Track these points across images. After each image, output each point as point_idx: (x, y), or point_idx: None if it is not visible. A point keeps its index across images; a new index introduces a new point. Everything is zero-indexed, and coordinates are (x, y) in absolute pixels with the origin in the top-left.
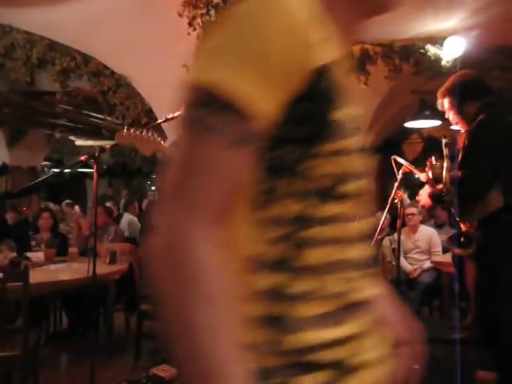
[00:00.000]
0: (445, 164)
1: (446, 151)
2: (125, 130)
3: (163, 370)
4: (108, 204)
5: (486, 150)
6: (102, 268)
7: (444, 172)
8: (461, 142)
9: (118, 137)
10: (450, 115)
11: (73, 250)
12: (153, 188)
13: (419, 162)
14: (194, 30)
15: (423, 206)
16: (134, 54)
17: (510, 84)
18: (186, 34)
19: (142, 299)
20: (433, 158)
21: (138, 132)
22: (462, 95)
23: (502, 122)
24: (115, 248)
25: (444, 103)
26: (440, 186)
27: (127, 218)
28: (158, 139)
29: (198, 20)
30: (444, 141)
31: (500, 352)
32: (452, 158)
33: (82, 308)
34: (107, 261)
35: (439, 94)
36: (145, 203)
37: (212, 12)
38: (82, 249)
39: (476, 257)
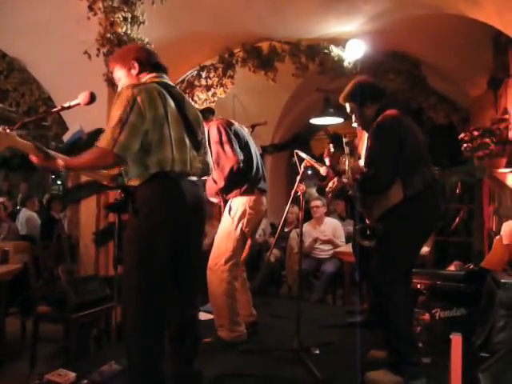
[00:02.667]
0: (347, 161)
1: (347, 150)
2: None
3: (59, 375)
4: (1, 199)
5: (387, 149)
6: None
7: (347, 168)
8: (359, 139)
9: None
10: (353, 118)
11: None
12: (58, 182)
13: None
14: (95, 14)
15: (328, 196)
16: (29, 37)
17: (403, 87)
18: (86, 19)
19: (39, 301)
20: (330, 146)
21: None
22: (361, 100)
23: (399, 123)
24: (7, 246)
25: (346, 107)
26: (344, 180)
27: (25, 213)
28: (13, 133)
29: (99, 4)
30: (345, 140)
31: (388, 329)
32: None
33: None
34: None
35: (341, 99)
36: (46, 198)
37: None
38: None
39: (377, 245)
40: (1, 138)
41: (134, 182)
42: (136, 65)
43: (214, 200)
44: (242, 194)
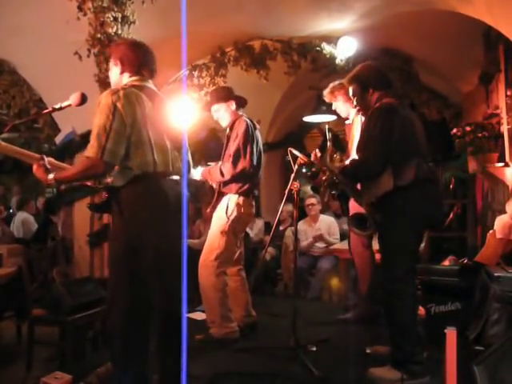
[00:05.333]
0: (328, 144)
1: (329, 135)
2: None
3: (55, 378)
4: None
5: (379, 136)
6: None
7: (327, 155)
8: (348, 132)
9: None
10: (354, 101)
11: None
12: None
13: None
14: (85, 15)
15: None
16: (18, 38)
17: (396, 83)
18: (76, 19)
19: (34, 304)
20: (317, 151)
21: None
22: (366, 84)
23: (394, 112)
24: (1, 250)
25: (349, 90)
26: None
27: (21, 216)
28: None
29: (89, 4)
30: (327, 126)
31: (394, 326)
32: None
33: None
34: None
35: (346, 81)
36: (41, 201)
37: None
38: None
39: (378, 235)
40: None
41: (118, 183)
42: (119, 63)
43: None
44: (239, 193)
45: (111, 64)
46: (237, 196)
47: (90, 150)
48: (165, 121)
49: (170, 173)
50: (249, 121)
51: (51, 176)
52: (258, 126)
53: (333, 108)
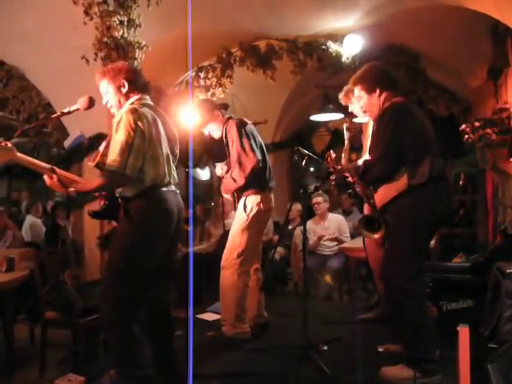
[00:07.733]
0: (345, 144)
1: (346, 134)
2: None
3: (69, 380)
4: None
5: (392, 136)
6: None
7: (343, 154)
8: (364, 131)
9: None
10: (361, 102)
11: None
12: None
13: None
14: (91, 19)
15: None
16: (26, 44)
17: (402, 80)
18: (83, 24)
19: (46, 307)
20: (331, 152)
21: None
22: (372, 85)
23: (406, 111)
24: (13, 254)
25: (355, 91)
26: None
27: (29, 220)
28: (11, 147)
29: (95, 9)
30: (345, 125)
31: (405, 325)
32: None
33: None
34: (3, 268)
35: (351, 82)
36: (50, 205)
37: (109, 0)
38: None
39: (385, 237)
40: (1, 152)
41: (129, 194)
42: (126, 84)
43: (228, 197)
44: (256, 193)
45: (112, 87)
46: (253, 195)
47: (114, 165)
48: (168, 136)
49: (171, 184)
50: (237, 120)
51: (72, 189)
52: (248, 122)
53: (349, 110)
